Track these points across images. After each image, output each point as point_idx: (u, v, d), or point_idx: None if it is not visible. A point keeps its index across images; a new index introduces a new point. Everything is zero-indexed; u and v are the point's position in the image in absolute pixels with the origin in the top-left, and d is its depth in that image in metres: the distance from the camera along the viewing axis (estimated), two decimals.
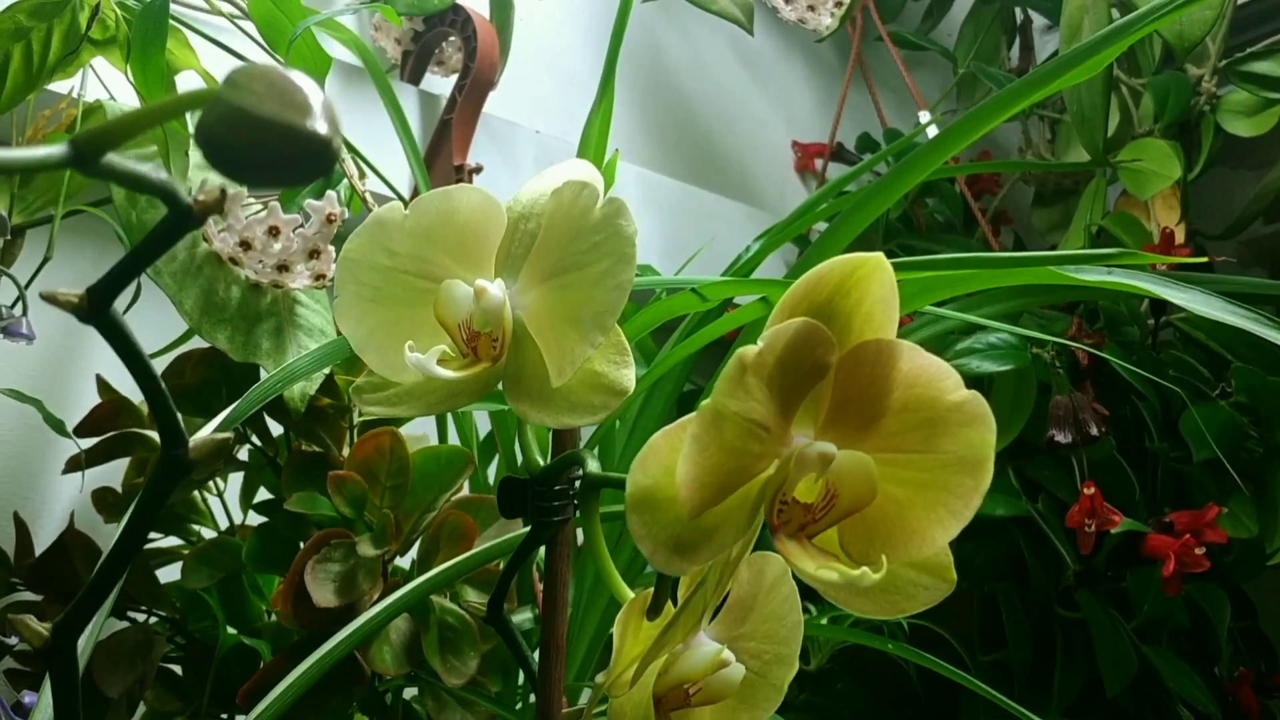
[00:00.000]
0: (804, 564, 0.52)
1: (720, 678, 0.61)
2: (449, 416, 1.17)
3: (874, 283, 0.55)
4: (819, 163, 1.96)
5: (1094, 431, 1.27)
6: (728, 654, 0.61)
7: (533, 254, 0.66)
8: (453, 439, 1.17)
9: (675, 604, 0.59)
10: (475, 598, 0.93)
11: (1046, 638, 1.38)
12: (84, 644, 0.59)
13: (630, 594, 0.62)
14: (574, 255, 0.64)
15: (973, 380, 1.36)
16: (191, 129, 0.95)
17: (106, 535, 1.07)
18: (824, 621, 1.26)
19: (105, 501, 1.08)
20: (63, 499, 1.19)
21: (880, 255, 0.55)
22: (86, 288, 0.42)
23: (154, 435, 1.07)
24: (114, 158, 0.37)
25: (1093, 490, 1.22)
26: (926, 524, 0.55)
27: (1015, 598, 1.37)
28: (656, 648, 0.57)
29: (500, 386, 0.67)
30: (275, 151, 0.35)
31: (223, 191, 0.40)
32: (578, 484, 0.65)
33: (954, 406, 0.54)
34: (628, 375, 0.64)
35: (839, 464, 0.53)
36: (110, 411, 1.07)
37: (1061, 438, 1.27)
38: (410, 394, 0.69)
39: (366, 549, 0.88)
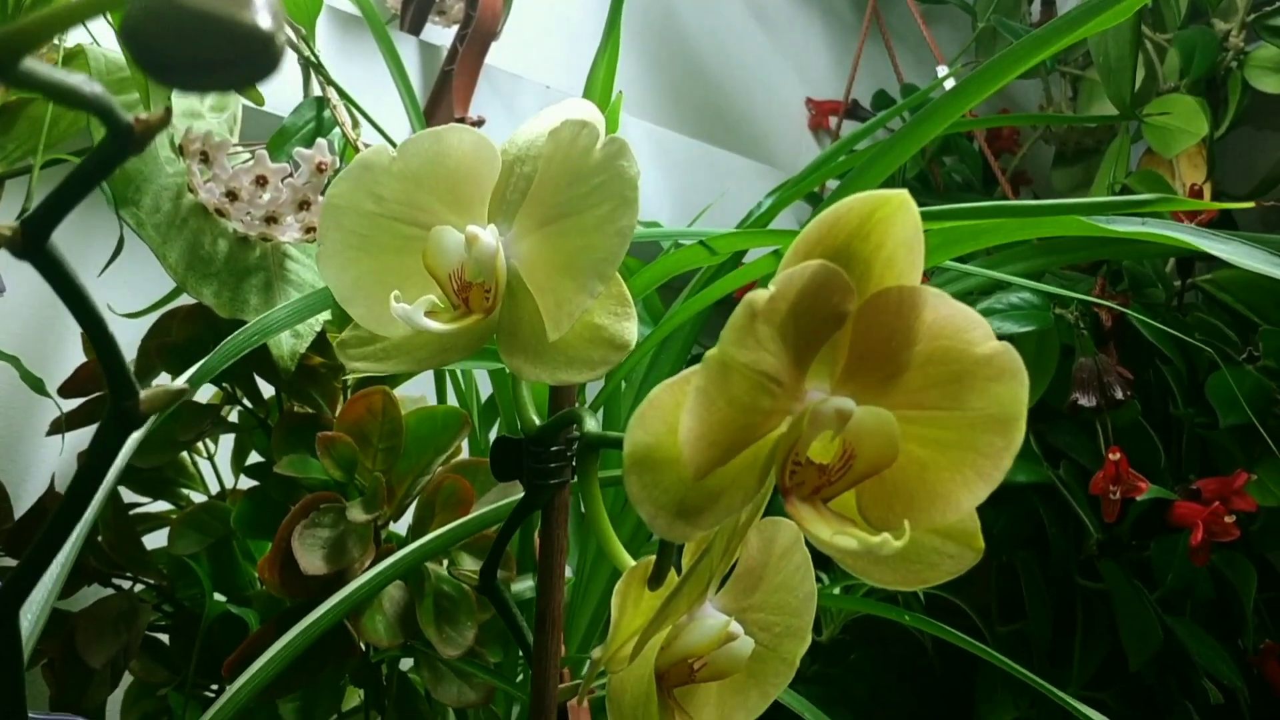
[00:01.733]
0: (819, 530, 0.48)
1: (727, 652, 0.57)
2: (447, 377, 1.12)
3: (897, 224, 0.50)
4: (833, 120, 1.91)
5: (1119, 395, 1.22)
6: (735, 626, 0.57)
7: (528, 199, 0.62)
8: (453, 401, 1.12)
9: (679, 573, 0.55)
10: (472, 565, 0.89)
11: (1066, 609, 1.34)
12: (37, 614, 0.55)
13: (631, 562, 0.57)
14: (572, 199, 0.60)
15: None
16: None
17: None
18: (836, 591, 1.22)
19: None
20: (47, 462, 1.15)
21: (904, 193, 0.50)
22: (20, 219, 0.37)
23: None
24: (37, 65, 0.32)
25: (1118, 456, 1.17)
26: (952, 487, 0.50)
27: (1035, 567, 1.32)
28: (658, 620, 0.53)
29: (494, 341, 0.63)
30: (210, 49, 0.30)
31: (167, 111, 0.36)
32: (576, 445, 0.61)
33: (983, 359, 0.50)
34: (629, 328, 0.60)
35: (857, 421, 0.49)
36: (94, 372, 1.02)
37: (1085, 401, 1.22)
38: (398, 349, 0.65)
39: (357, 514, 0.83)
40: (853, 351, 0.50)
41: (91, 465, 0.41)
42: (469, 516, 0.84)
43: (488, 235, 0.61)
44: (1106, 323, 1.33)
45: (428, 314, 0.61)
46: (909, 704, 1.38)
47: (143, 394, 0.41)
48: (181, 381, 0.65)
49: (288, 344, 0.91)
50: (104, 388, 1.00)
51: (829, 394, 0.50)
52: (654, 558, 0.55)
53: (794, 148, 1.91)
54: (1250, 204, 0.71)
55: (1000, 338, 1.20)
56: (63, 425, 1.00)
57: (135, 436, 0.59)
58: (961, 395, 0.50)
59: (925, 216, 0.77)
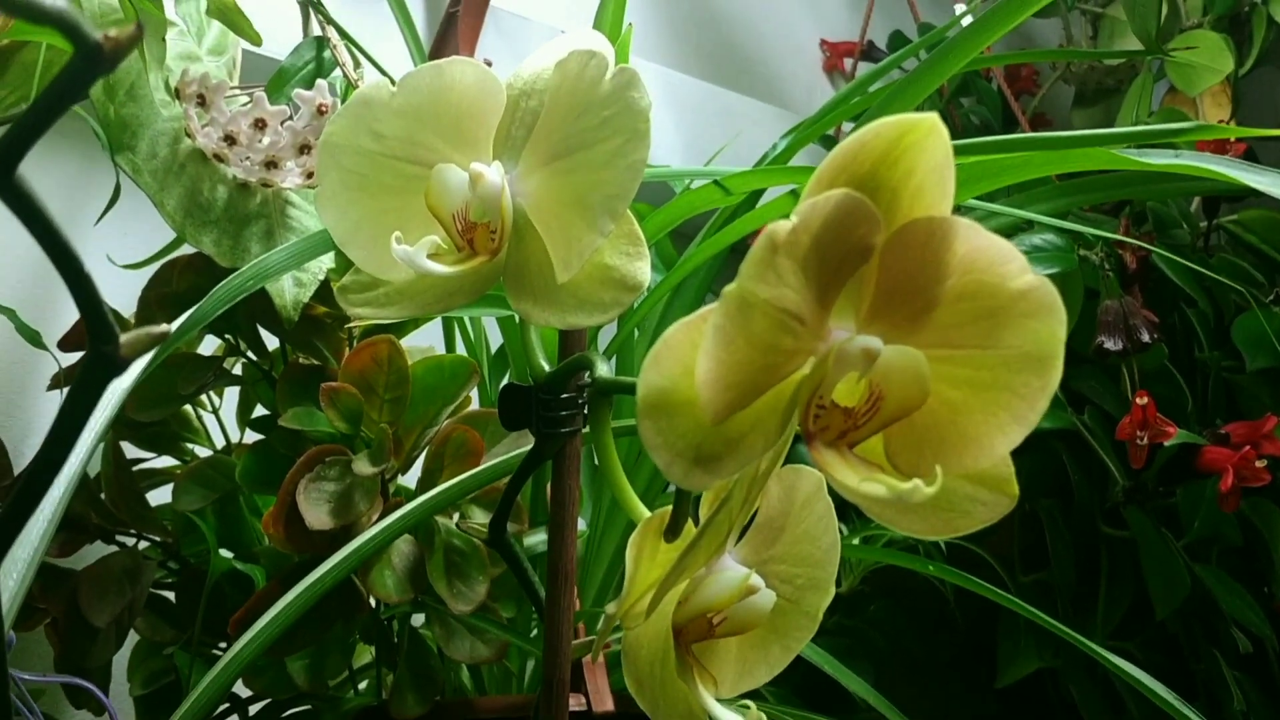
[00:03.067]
0: (845, 477, 0.45)
1: (748, 605, 0.54)
2: (456, 327, 1.10)
3: (927, 150, 0.47)
4: (848, 62, 1.87)
5: (1145, 338, 1.19)
6: (756, 579, 0.54)
7: (535, 134, 0.60)
8: (462, 351, 1.10)
9: (696, 524, 0.52)
10: (483, 518, 0.87)
11: (1091, 557, 1.31)
12: (22, 573, 0.52)
13: (647, 513, 0.55)
14: (581, 133, 0.57)
15: None
16: (169, 12, 0.87)
17: (96, 456, 1.01)
18: (856, 542, 1.20)
19: None
20: (47, 418, 1.13)
21: (934, 117, 0.47)
22: None
23: None
24: None
25: (1146, 401, 1.14)
26: (985, 430, 0.48)
27: (1058, 515, 1.30)
28: (675, 573, 0.50)
29: (502, 285, 0.60)
30: None
31: (138, 27, 0.33)
32: (587, 391, 0.58)
33: (1018, 294, 0.47)
34: (641, 268, 0.58)
35: (885, 361, 0.46)
36: None
37: (1111, 345, 1.19)
38: (400, 293, 0.62)
39: (363, 466, 0.81)
40: (880, 287, 0.47)
41: (68, 414, 0.38)
42: (479, 468, 0.81)
43: (492, 173, 0.58)
44: (1131, 265, 1.29)
45: (431, 256, 0.58)
46: (930, 655, 1.36)
47: (123, 338, 0.38)
48: (175, 329, 0.62)
49: (290, 293, 0.88)
50: None
51: (854, 332, 0.47)
52: (670, 509, 0.53)
53: (808, 91, 1.88)
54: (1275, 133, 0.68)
55: None
56: (62, 380, 0.98)
57: (123, 386, 0.56)
58: (996, 332, 0.47)
59: (966, 151, 0.75)
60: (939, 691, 1.39)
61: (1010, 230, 1.20)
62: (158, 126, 0.88)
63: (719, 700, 0.55)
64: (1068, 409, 1.26)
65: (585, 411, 0.60)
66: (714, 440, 0.46)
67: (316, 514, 0.79)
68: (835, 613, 1.32)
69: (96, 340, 0.38)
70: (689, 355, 0.44)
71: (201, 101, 0.86)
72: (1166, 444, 1.17)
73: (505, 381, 1.13)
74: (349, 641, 0.89)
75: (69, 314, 1.07)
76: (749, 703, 0.55)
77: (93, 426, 0.54)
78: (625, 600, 0.52)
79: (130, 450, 1.00)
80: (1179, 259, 1.15)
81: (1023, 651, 1.29)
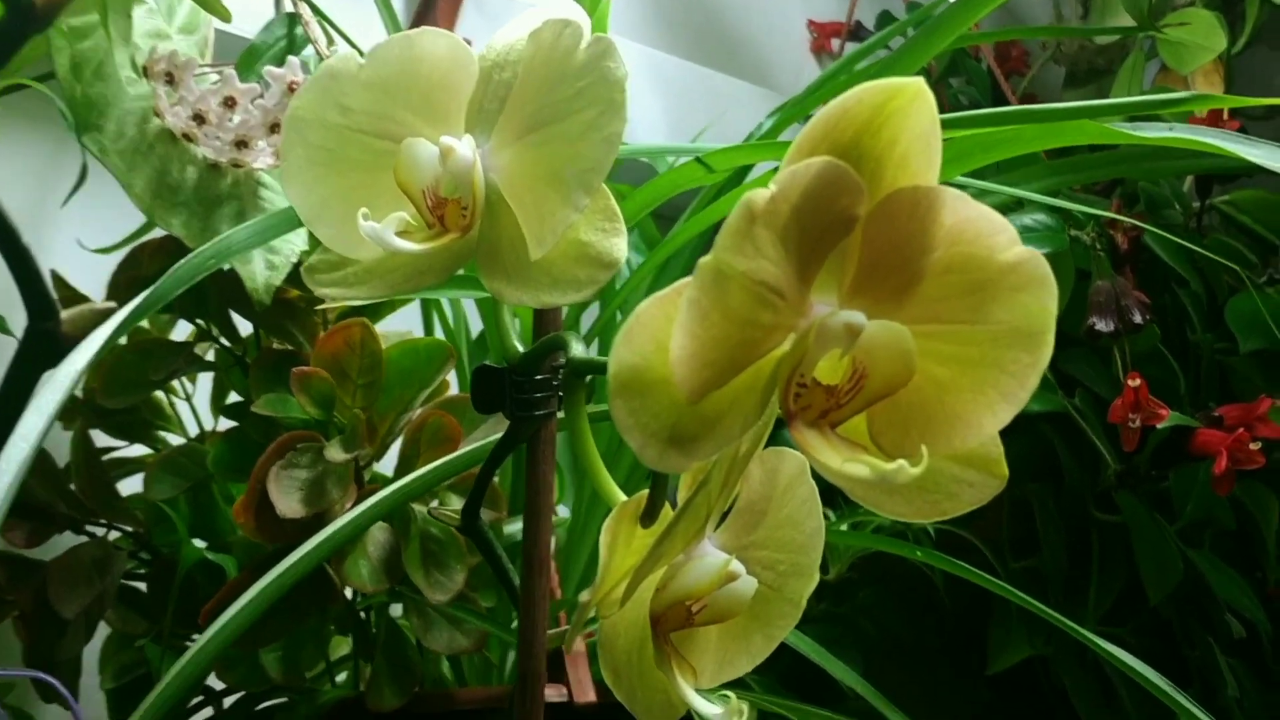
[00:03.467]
0: (827, 458, 0.43)
1: (728, 593, 0.52)
2: (434, 311, 1.07)
3: (912, 117, 0.45)
4: (836, 43, 1.84)
5: (1137, 319, 1.17)
6: (736, 565, 0.52)
7: (508, 107, 0.58)
8: (441, 336, 1.07)
9: (674, 508, 0.50)
10: (459, 505, 0.85)
11: (1082, 542, 1.29)
12: None
13: (623, 497, 0.53)
14: (554, 105, 0.55)
15: None
16: None
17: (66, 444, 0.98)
18: (844, 528, 1.18)
19: (66, 406, 0.99)
20: None
21: (919, 82, 0.45)
22: None
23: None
24: None
25: (1138, 382, 1.12)
26: (973, 408, 0.46)
27: (1049, 500, 1.28)
28: (651, 559, 0.48)
29: (474, 264, 0.58)
30: None
31: None
32: (562, 373, 0.56)
33: (1008, 267, 0.45)
34: (618, 244, 0.56)
35: (868, 337, 0.44)
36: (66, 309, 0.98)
37: (1103, 326, 1.17)
38: (369, 273, 0.60)
39: (335, 453, 0.79)
40: (863, 260, 0.45)
41: (8, 393, 0.36)
42: (455, 454, 0.79)
43: (464, 146, 0.56)
44: (1123, 246, 1.27)
45: (400, 233, 0.56)
46: (920, 643, 1.34)
47: (64, 314, 0.36)
48: (130, 309, 0.60)
49: (262, 276, 0.86)
50: None
51: (837, 307, 0.45)
52: (646, 493, 0.51)
53: (795, 72, 1.85)
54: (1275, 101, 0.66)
55: None
56: None
57: (77, 366, 0.54)
58: (984, 307, 0.45)
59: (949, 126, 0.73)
60: (929, 679, 1.37)
61: (1001, 209, 1.18)
62: (125, 106, 0.86)
63: (699, 691, 0.53)
64: (1058, 391, 1.24)
65: (561, 394, 0.58)
66: (690, 420, 0.44)
67: (288, 502, 0.77)
68: (823, 600, 1.30)
69: (35, 316, 0.36)
70: (663, 331, 0.42)
71: (170, 79, 0.84)
72: (1159, 427, 1.15)
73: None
74: (324, 633, 0.87)
75: None
76: (729, 693, 0.53)
77: (44, 409, 0.52)
78: (599, 588, 0.50)
79: (102, 439, 0.98)
80: (1172, 238, 1.13)
81: (1014, 638, 1.27)
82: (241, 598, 0.71)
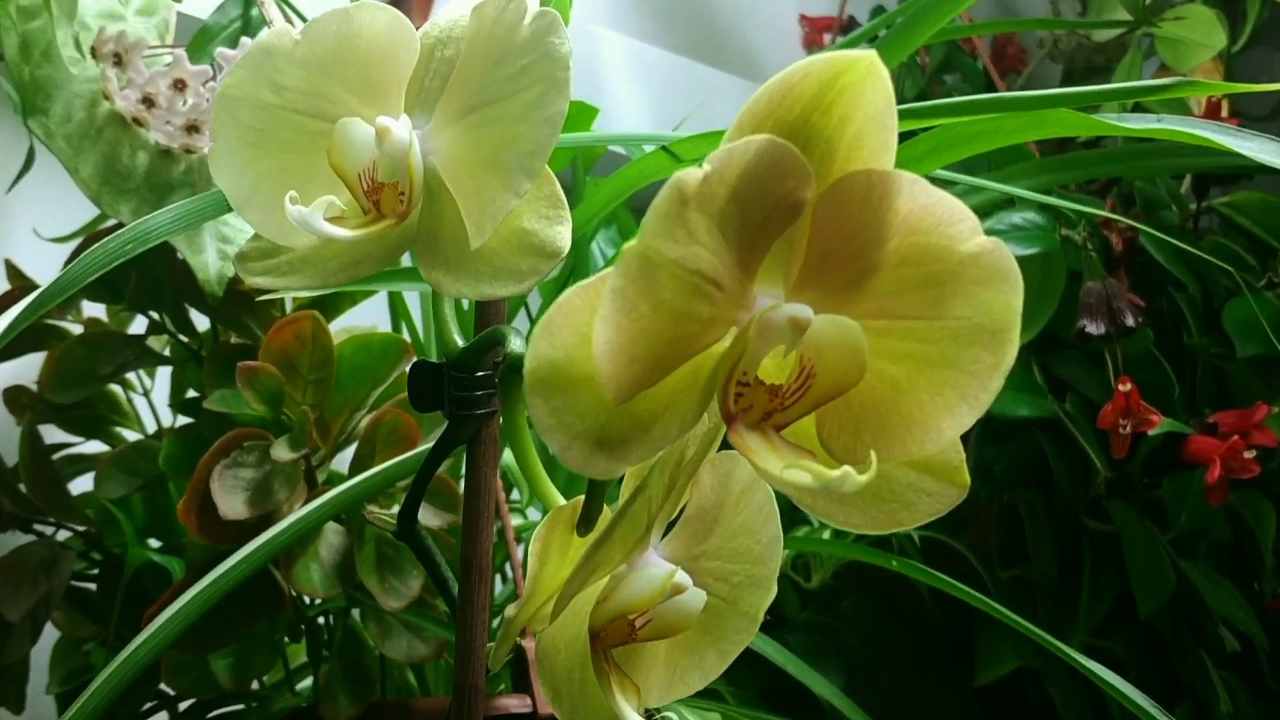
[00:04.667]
0: (767, 463, 0.40)
1: (674, 606, 0.49)
2: (407, 307, 1.04)
3: (865, 93, 0.42)
4: (828, 38, 1.81)
5: (1130, 322, 1.13)
6: (682, 576, 0.48)
7: (450, 86, 0.55)
8: (412, 334, 1.04)
9: None
10: (424, 511, 0.81)
11: (1073, 552, 1.25)
12: None
13: (560, 500, 0.49)
14: (496, 83, 0.52)
15: None
16: None
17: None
18: (826, 536, 1.14)
19: (18, 402, 0.95)
20: None
21: (872, 55, 0.41)
22: None
23: (71, 327, 0.94)
24: None
25: (1129, 387, 1.08)
26: (931, 411, 0.42)
27: (1039, 508, 1.24)
28: (584, 569, 0.45)
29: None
30: None
31: None
32: (500, 368, 0.53)
33: (968, 259, 0.41)
34: (561, 232, 0.52)
35: (816, 333, 0.41)
36: (19, 299, 0.94)
37: (1093, 328, 1.13)
38: (304, 262, 0.57)
39: (282, 452, 0.75)
40: (812, 250, 0.42)
41: None
42: (410, 454, 0.76)
43: (400, 127, 0.53)
44: (1117, 247, 1.24)
45: (335, 220, 0.53)
46: (906, 653, 1.30)
47: None
48: (32, 298, 0.56)
49: (214, 267, 0.83)
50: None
51: (782, 300, 0.42)
52: (583, 498, 0.47)
53: (785, 67, 1.82)
54: (1273, 87, 0.62)
55: None
56: None
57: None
58: (942, 301, 0.42)
59: (909, 115, 0.69)
60: (915, 690, 1.34)
61: (991, 207, 1.15)
62: (74, 88, 0.83)
63: (643, 711, 0.50)
64: (1049, 396, 1.20)
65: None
66: (620, 421, 0.41)
67: (230, 503, 0.74)
68: (806, 608, 1.27)
69: None
70: (588, 323, 0.39)
71: (118, 61, 0.80)
72: (1150, 433, 1.11)
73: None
74: (275, 639, 0.84)
75: None
76: (671, 715, 0.49)
77: None
78: (529, 601, 0.46)
79: (59, 435, 0.95)
80: (1169, 239, 1.09)
81: (1001, 650, 1.24)
82: (178, 600, 0.67)
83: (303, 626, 0.87)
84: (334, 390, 0.80)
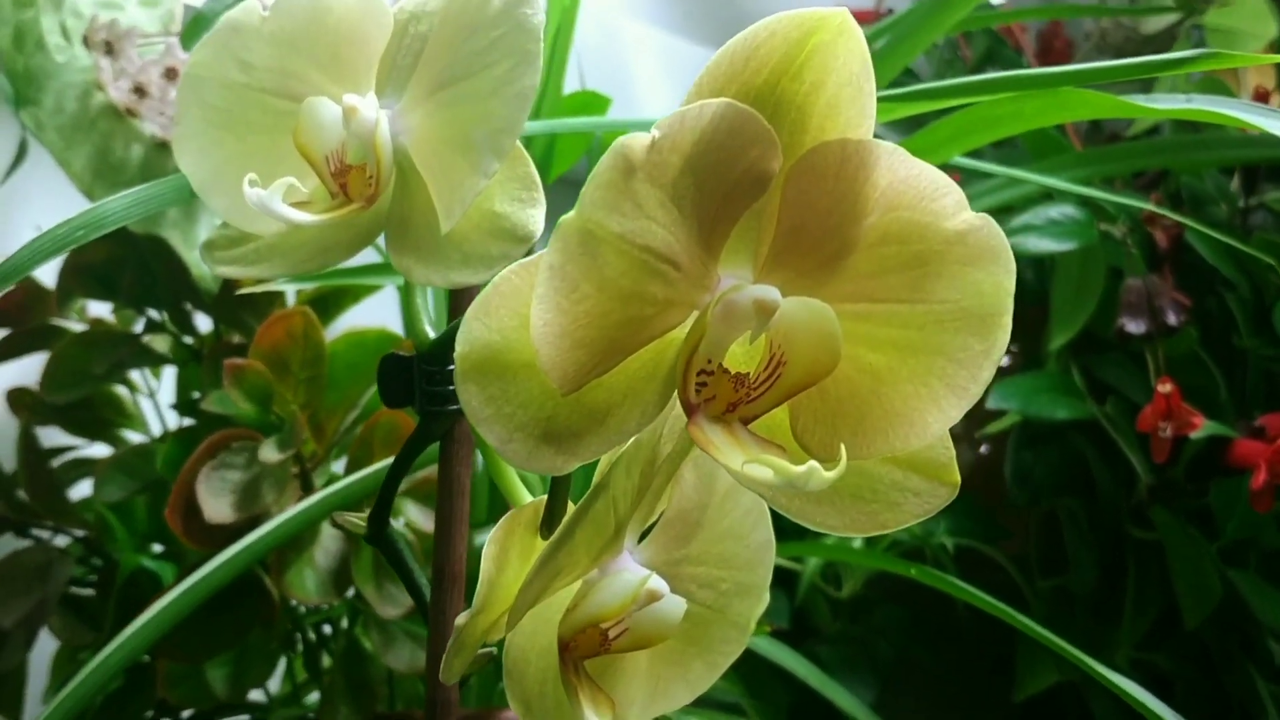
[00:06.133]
0: (726, 457, 0.36)
1: (650, 615, 0.45)
2: (417, 304, 1.00)
3: (838, 56, 0.38)
4: (866, 31, 1.76)
5: (1172, 320, 1.08)
6: (657, 582, 0.44)
7: (421, 63, 0.52)
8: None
9: None
10: (417, 513, 0.78)
11: (1116, 561, 1.21)
12: None
13: (529, 498, 0.46)
14: (467, 59, 0.49)
15: (1031, 263, 1.18)
16: None
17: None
18: (857, 544, 1.10)
19: (21, 403, 0.93)
20: None
21: (844, 14, 0.38)
22: None
23: (73, 326, 0.92)
24: None
25: (1169, 388, 1.03)
26: (915, 403, 0.39)
27: (1080, 515, 1.19)
28: (542, 574, 0.41)
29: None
30: None
31: None
32: None
33: (954, 237, 0.38)
34: (534, 215, 0.49)
35: (785, 317, 0.37)
36: (21, 300, 0.92)
37: (1134, 327, 1.08)
38: (272, 250, 0.54)
39: (269, 453, 0.72)
40: (781, 227, 0.38)
41: None
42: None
43: (366, 106, 0.50)
44: (1162, 244, 1.19)
45: (299, 205, 0.50)
46: (940, 666, 1.26)
47: None
48: None
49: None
50: (32, 317, 0.90)
51: (750, 281, 0.38)
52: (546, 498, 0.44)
53: None
54: None
55: (1039, 258, 1.07)
56: None
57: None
58: (926, 284, 0.38)
59: (924, 96, 0.65)
60: (951, 705, 1.30)
61: (1026, 202, 1.10)
62: (66, 79, 0.81)
63: None
64: (1089, 398, 1.15)
65: None
66: (569, 413, 0.37)
67: (216, 505, 0.71)
68: (838, 618, 1.23)
69: None
70: (530, 305, 0.35)
71: (109, 49, 0.78)
72: (1193, 436, 1.06)
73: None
74: (270, 648, 0.81)
75: None
76: None
77: None
78: (483, 610, 0.43)
79: (61, 437, 0.93)
80: (1214, 234, 1.04)
81: (1041, 663, 1.19)
82: (155, 604, 0.65)
83: (299, 636, 0.84)
84: (327, 389, 0.77)
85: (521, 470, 0.38)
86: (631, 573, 0.45)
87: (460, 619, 0.42)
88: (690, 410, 0.37)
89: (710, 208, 0.36)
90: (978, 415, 1.20)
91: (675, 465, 0.46)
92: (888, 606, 1.23)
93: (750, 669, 1.02)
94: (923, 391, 0.38)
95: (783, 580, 1.15)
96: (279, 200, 0.49)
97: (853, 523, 0.41)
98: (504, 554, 0.43)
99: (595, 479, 0.45)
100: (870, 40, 1.05)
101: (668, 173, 0.35)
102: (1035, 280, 1.19)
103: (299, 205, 0.50)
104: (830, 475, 0.35)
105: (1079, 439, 1.18)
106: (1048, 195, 1.11)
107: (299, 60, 0.53)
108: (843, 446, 0.36)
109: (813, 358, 0.37)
